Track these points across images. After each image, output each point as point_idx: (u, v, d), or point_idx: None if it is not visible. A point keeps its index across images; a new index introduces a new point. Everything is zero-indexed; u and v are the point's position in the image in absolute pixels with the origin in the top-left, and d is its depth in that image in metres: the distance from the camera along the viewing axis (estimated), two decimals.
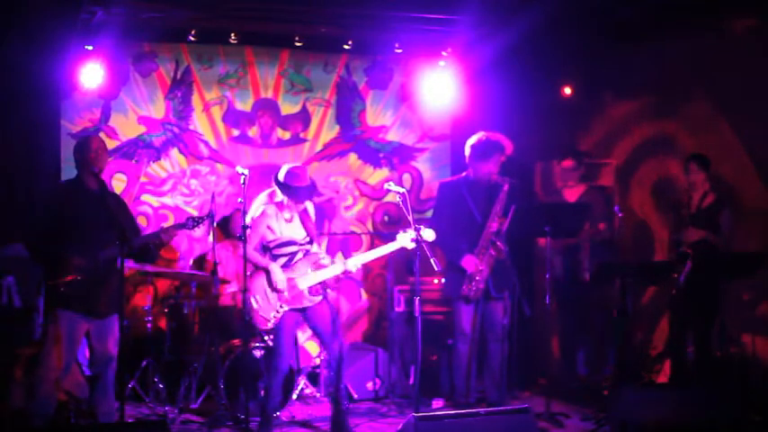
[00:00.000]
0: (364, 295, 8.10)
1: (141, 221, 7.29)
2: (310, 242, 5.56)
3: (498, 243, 5.95)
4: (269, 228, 5.48)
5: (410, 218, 5.19)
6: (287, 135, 7.94)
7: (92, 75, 6.80)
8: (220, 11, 6.79)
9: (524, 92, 7.70)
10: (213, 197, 6.22)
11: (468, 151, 6.13)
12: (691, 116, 7.13)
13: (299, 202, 5.47)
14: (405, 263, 7.10)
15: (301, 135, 7.98)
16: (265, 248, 5.56)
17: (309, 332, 6.58)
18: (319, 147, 8.02)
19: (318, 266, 5.54)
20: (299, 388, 6.68)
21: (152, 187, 7.56)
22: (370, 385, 6.90)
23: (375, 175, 8.16)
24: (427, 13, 6.84)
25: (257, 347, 6.11)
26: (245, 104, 7.82)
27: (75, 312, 5.14)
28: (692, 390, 5.64)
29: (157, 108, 7.57)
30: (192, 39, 7.21)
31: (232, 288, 6.66)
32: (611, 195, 7.53)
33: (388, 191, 5.40)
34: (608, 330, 7.33)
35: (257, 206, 5.55)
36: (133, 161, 7.49)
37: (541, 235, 6.21)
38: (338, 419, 5.54)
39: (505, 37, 6.97)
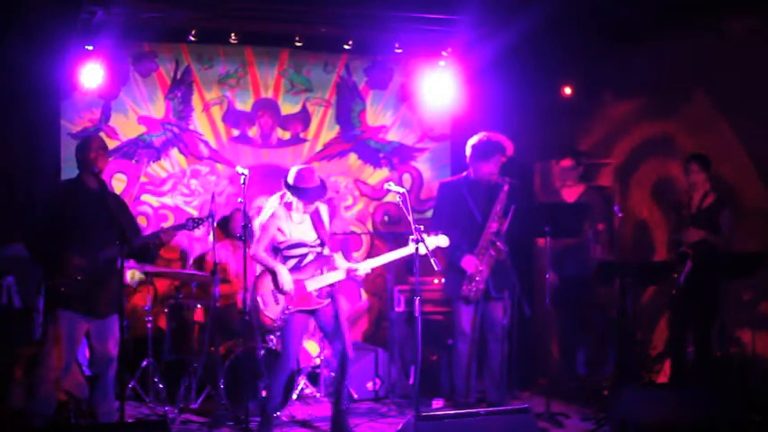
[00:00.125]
0: (364, 295, 8.10)
1: (141, 221, 7.29)
2: (321, 244, 5.55)
3: (498, 243, 5.95)
4: (279, 229, 5.49)
5: (410, 218, 5.19)
6: (287, 135, 7.94)
7: (92, 75, 6.80)
8: (220, 11, 6.79)
9: (524, 92, 7.70)
10: (213, 197, 6.22)
11: (468, 151, 6.13)
12: (691, 116, 7.13)
13: (309, 203, 5.47)
14: (405, 263, 7.08)
15: (301, 135, 7.98)
16: (276, 250, 5.56)
17: (309, 332, 6.58)
18: (319, 147, 8.03)
19: (329, 269, 5.54)
20: (299, 388, 6.68)
21: (152, 187, 7.56)
22: (370, 385, 6.90)
23: (375, 175, 8.16)
24: (427, 13, 6.84)
25: (257, 347, 6.11)
26: (245, 104, 7.82)
27: (76, 312, 5.14)
28: (692, 390, 5.64)
29: (157, 108, 7.57)
30: (192, 39, 7.21)
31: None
32: (609, 195, 7.53)
33: (388, 191, 5.40)
34: (608, 330, 7.33)
35: (268, 208, 5.56)
36: (133, 161, 7.49)
37: (541, 235, 6.21)
38: (338, 419, 5.54)
39: (505, 37, 6.97)
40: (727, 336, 6.28)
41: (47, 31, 6.51)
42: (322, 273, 5.51)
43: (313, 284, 5.47)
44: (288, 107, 7.94)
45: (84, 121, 7.33)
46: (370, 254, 8.03)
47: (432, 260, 5.28)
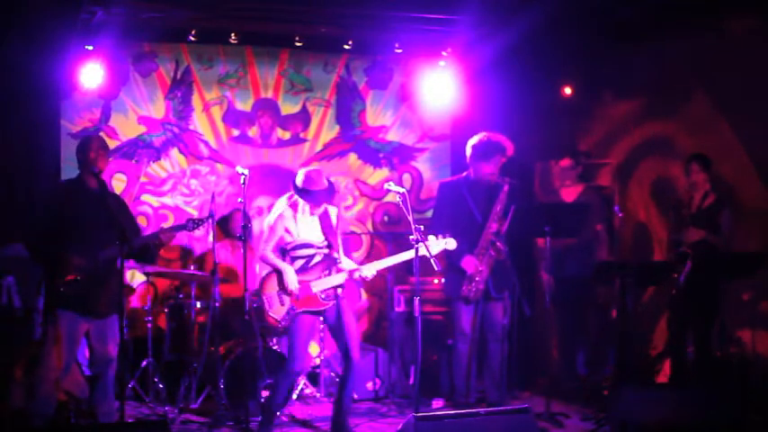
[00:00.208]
0: (364, 295, 8.10)
1: (141, 221, 7.29)
2: (329, 246, 5.56)
3: (498, 243, 5.95)
4: (286, 230, 5.50)
5: (410, 218, 5.19)
6: (287, 135, 7.94)
7: (92, 75, 6.80)
8: (220, 11, 6.79)
9: (524, 92, 7.70)
10: (213, 197, 6.22)
11: (469, 151, 6.13)
12: (691, 116, 7.13)
13: (317, 205, 5.49)
14: (405, 263, 7.09)
15: (301, 135, 7.98)
16: (283, 251, 5.57)
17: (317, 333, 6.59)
18: (319, 147, 8.03)
19: (336, 271, 5.54)
20: (299, 388, 6.68)
21: (152, 187, 7.56)
22: (370, 385, 6.90)
23: (375, 175, 8.16)
24: (427, 13, 6.84)
25: (259, 348, 6.11)
26: (245, 104, 7.82)
27: (75, 312, 5.14)
28: (692, 390, 5.63)
29: (157, 108, 7.57)
30: (192, 39, 7.21)
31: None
32: (608, 195, 7.53)
33: (388, 191, 5.39)
34: (606, 330, 7.33)
35: (275, 209, 5.58)
36: (133, 161, 7.49)
37: (541, 235, 6.21)
38: (338, 419, 5.54)
39: (505, 37, 6.97)
40: (727, 336, 6.28)
41: (47, 31, 6.51)
42: (329, 274, 5.51)
43: (319, 286, 5.47)
44: (288, 107, 7.94)
45: (84, 121, 7.33)
46: (370, 254, 8.03)
47: (432, 260, 5.28)
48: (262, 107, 7.86)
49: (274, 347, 6.31)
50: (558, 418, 6.07)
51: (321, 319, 5.63)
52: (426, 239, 5.35)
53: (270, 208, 7.76)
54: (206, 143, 7.70)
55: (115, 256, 5.10)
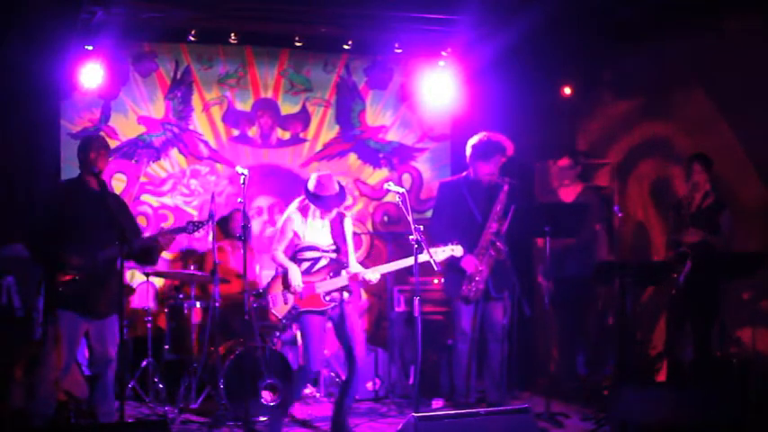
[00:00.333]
0: (364, 295, 8.10)
1: (141, 221, 7.29)
2: (336, 251, 5.57)
3: (498, 243, 5.94)
4: (295, 233, 5.53)
5: (410, 218, 5.19)
6: (287, 135, 7.94)
7: (92, 75, 6.81)
8: (220, 11, 6.79)
9: (524, 92, 7.70)
10: (213, 197, 6.22)
11: (469, 151, 6.12)
12: (691, 116, 7.13)
13: (327, 210, 5.50)
14: None
15: (301, 135, 7.98)
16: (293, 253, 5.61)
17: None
18: (319, 147, 8.03)
19: (340, 274, 5.55)
20: None
21: (152, 187, 7.56)
22: (370, 385, 6.90)
23: (375, 175, 8.16)
24: (427, 13, 6.84)
25: (259, 347, 6.11)
26: (244, 104, 7.83)
27: (75, 312, 5.14)
28: (692, 390, 5.63)
29: (157, 108, 7.57)
30: (192, 39, 7.21)
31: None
32: (607, 195, 7.53)
33: (388, 191, 5.39)
34: (604, 331, 7.33)
35: (286, 212, 5.61)
36: (133, 161, 7.49)
37: (541, 235, 6.21)
38: (338, 419, 5.54)
39: (505, 37, 6.97)
40: (727, 335, 6.28)
41: (47, 31, 6.51)
42: (332, 276, 5.52)
43: (323, 287, 5.48)
44: (288, 107, 7.94)
45: (84, 121, 7.33)
46: (370, 254, 8.04)
47: (432, 260, 5.28)
48: (261, 107, 7.86)
49: (276, 349, 6.31)
50: (557, 418, 6.07)
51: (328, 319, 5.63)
52: (425, 239, 5.34)
53: (270, 208, 7.83)
54: (206, 143, 7.70)
55: (115, 256, 5.09)
